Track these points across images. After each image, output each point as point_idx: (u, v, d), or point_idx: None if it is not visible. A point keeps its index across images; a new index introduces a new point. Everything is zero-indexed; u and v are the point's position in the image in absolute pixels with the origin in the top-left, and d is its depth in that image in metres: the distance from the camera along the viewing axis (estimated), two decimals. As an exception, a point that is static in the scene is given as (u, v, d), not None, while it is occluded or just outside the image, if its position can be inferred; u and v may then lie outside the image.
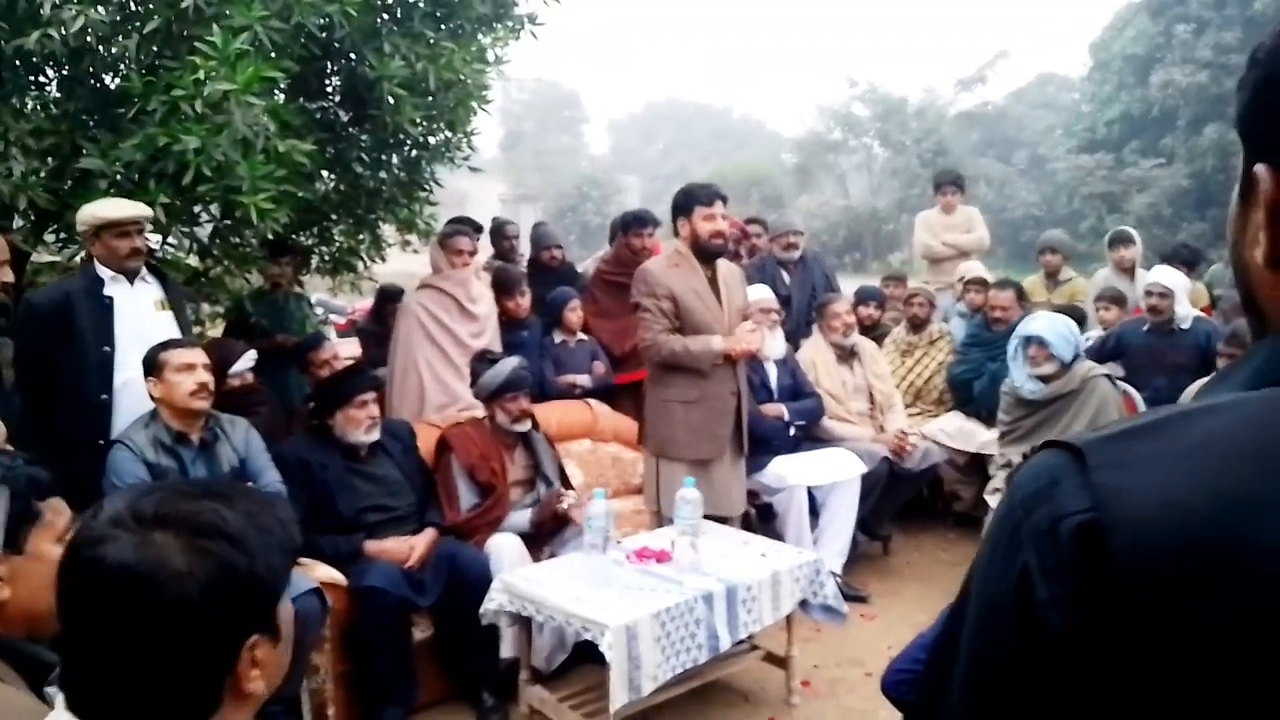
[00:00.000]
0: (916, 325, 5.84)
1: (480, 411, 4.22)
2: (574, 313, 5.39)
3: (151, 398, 3.34)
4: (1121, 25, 26.87)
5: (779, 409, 4.84)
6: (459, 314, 4.90)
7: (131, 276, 3.63)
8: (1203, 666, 0.57)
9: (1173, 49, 23.58)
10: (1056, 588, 0.61)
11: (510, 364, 4.05)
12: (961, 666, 0.68)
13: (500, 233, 6.68)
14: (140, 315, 3.62)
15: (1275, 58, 0.66)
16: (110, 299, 3.56)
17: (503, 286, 5.37)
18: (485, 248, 6.44)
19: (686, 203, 3.97)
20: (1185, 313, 5.16)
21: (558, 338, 5.42)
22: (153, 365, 3.32)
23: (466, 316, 4.91)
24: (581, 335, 5.45)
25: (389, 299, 6.09)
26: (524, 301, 5.35)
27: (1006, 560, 0.64)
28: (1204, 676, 0.57)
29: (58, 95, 4.26)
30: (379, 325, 6.17)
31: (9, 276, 3.46)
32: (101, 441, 3.43)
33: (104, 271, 3.58)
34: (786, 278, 5.93)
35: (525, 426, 4.08)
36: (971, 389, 5.45)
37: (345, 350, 6.19)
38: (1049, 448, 0.65)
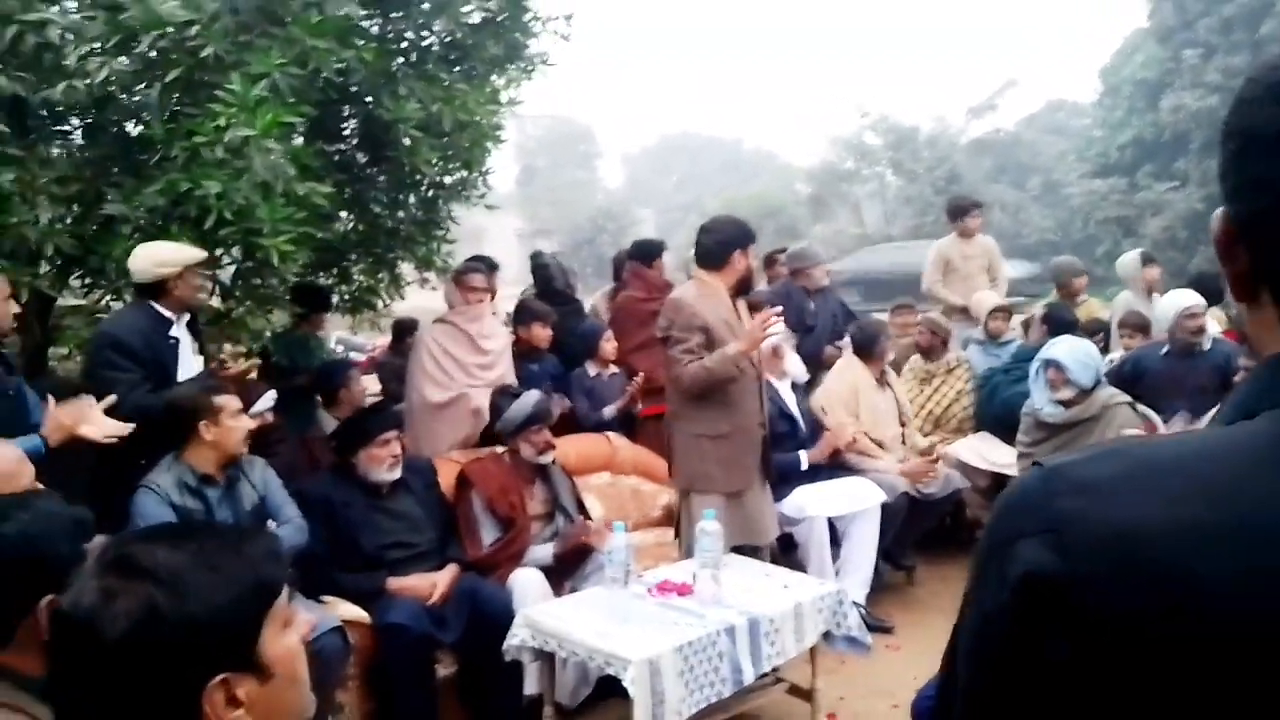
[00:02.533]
0: (923, 353, 5.82)
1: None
2: (609, 343, 5.41)
3: (188, 440, 3.36)
4: (1130, 51, 26.93)
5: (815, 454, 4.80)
6: (469, 348, 4.94)
7: (181, 319, 3.73)
8: (1144, 688, 0.59)
9: (1182, 74, 23.61)
10: (1017, 605, 0.63)
11: (533, 397, 4.09)
12: (960, 678, 0.70)
13: (543, 266, 6.62)
14: (189, 357, 3.75)
15: (1234, 112, 0.69)
16: (176, 339, 3.68)
17: (517, 316, 5.41)
18: (504, 280, 6.47)
19: (744, 239, 3.98)
20: (1210, 333, 5.14)
21: (591, 370, 5.43)
22: (208, 409, 3.35)
23: (477, 350, 4.95)
24: (614, 368, 5.46)
25: (406, 332, 6.14)
26: (540, 331, 5.36)
27: (983, 573, 0.68)
28: (1146, 698, 0.59)
29: (82, 143, 4.35)
30: (398, 358, 6.21)
31: (15, 309, 3.51)
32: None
33: (165, 312, 3.67)
34: (811, 306, 5.96)
35: (550, 458, 4.11)
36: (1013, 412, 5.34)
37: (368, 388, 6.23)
38: (1035, 467, 0.69)
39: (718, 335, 3.83)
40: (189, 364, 3.71)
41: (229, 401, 3.39)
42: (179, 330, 3.70)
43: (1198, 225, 22.73)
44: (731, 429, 3.91)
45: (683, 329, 3.82)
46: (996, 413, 5.42)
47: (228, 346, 5.17)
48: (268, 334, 4.96)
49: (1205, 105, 22.15)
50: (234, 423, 3.39)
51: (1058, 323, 5.44)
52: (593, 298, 6.95)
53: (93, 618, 0.98)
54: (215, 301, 4.70)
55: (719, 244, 3.97)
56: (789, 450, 4.67)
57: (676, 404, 4.02)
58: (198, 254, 3.68)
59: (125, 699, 0.99)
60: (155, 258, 3.63)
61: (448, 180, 5.33)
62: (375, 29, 4.77)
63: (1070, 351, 4.56)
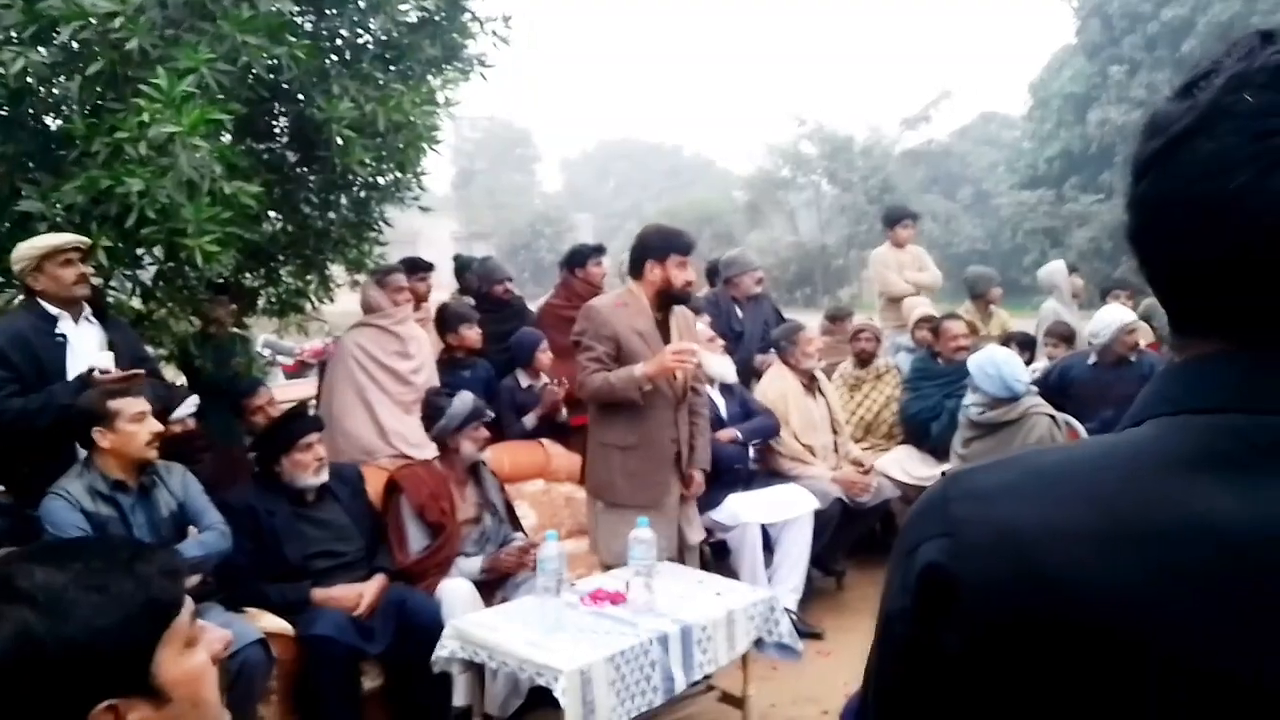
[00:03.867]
0: (863, 360, 5.90)
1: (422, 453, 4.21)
2: (545, 354, 5.31)
3: (93, 446, 3.25)
4: (1059, 66, 27.71)
5: (731, 432, 4.83)
6: (396, 353, 4.87)
7: (77, 314, 3.58)
8: (1026, 682, 0.62)
9: (1108, 89, 24.38)
10: (917, 608, 0.68)
11: (468, 397, 4.05)
12: (871, 680, 0.74)
13: (466, 269, 6.60)
14: (88, 356, 3.56)
15: (1135, 140, 0.73)
16: (64, 336, 3.51)
17: (445, 322, 5.33)
18: (441, 285, 6.42)
19: (664, 248, 3.85)
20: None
21: (523, 381, 5.32)
22: (101, 414, 3.22)
23: (404, 355, 4.88)
24: (545, 379, 5.36)
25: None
26: (470, 334, 5.29)
27: (890, 577, 0.72)
28: (1029, 691, 0.62)
29: (-4, 136, 4.19)
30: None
31: None
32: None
33: (51, 309, 3.52)
34: (740, 313, 5.98)
35: (487, 454, 4.11)
36: (928, 428, 5.47)
37: (295, 392, 6.11)
38: (942, 476, 0.73)
39: (627, 346, 3.77)
40: (86, 365, 3.50)
41: (126, 405, 3.24)
42: (67, 326, 3.54)
43: (1121, 237, 23.19)
44: (639, 441, 3.82)
45: (592, 337, 3.79)
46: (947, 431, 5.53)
47: (149, 349, 5.02)
48: (189, 336, 4.81)
49: (1130, 120, 22.88)
50: (133, 427, 3.23)
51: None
52: (537, 303, 6.93)
53: None
54: (135, 302, 4.57)
55: (635, 254, 3.92)
56: (723, 455, 4.65)
57: (591, 411, 3.99)
58: (55, 241, 3.49)
59: None
60: (16, 253, 3.49)
61: (381, 181, 5.24)
62: (309, 26, 4.67)
63: (976, 362, 4.74)
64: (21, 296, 4.05)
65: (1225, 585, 0.59)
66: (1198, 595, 0.59)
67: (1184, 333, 0.71)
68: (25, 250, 3.48)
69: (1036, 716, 0.63)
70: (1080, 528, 0.63)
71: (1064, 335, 5.95)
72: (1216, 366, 0.67)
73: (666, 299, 3.89)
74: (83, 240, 3.55)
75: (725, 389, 5.00)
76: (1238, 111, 0.63)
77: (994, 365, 4.65)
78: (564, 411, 5.30)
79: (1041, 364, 5.83)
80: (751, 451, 4.94)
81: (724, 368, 4.98)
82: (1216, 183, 0.63)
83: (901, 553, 0.70)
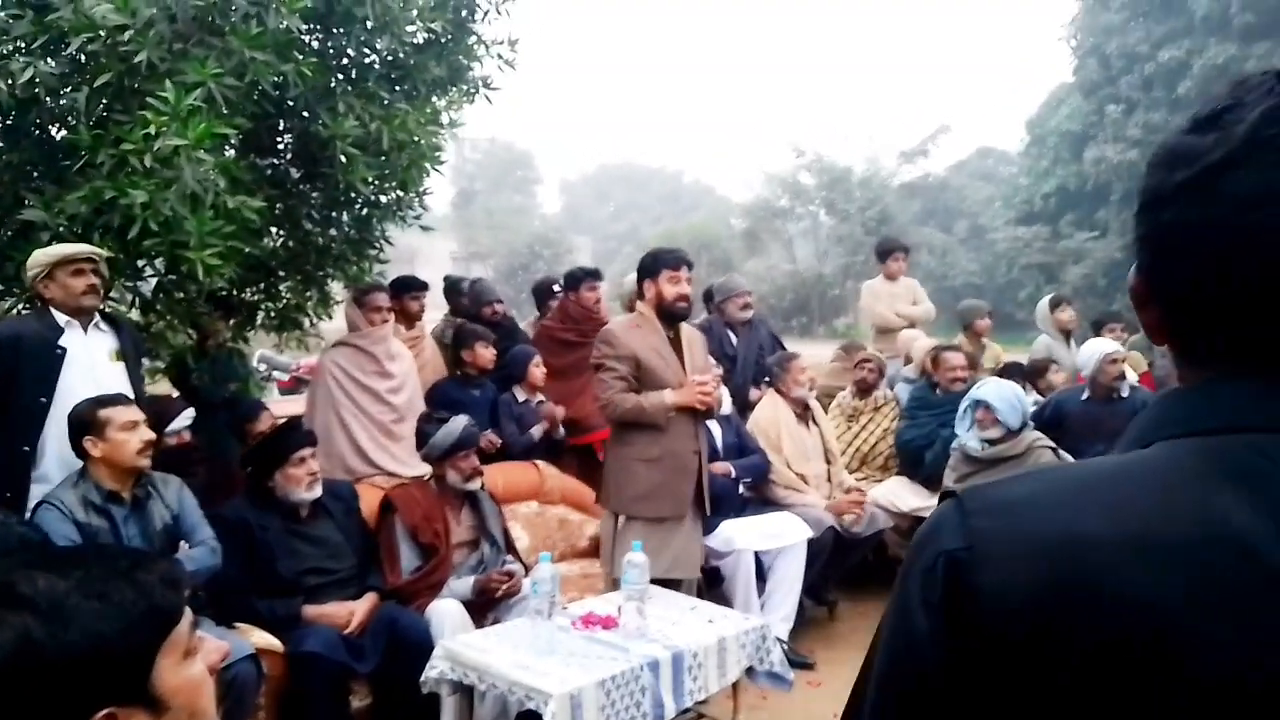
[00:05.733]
0: (864, 390, 5.91)
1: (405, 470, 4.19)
2: (538, 368, 5.37)
3: (87, 456, 3.24)
4: (1056, 103, 27.91)
5: (726, 467, 4.84)
6: (374, 373, 4.87)
7: (87, 322, 3.57)
8: (1047, 697, 0.63)
9: (1105, 127, 24.55)
10: (933, 622, 0.67)
11: (460, 422, 4.03)
12: (870, 697, 0.73)
13: (455, 290, 6.64)
14: (94, 366, 3.56)
15: (1146, 174, 0.74)
16: (63, 350, 3.48)
17: (461, 339, 5.35)
18: (437, 304, 6.42)
19: (654, 265, 4.00)
20: (1127, 379, 5.31)
21: (520, 395, 5.38)
22: (92, 423, 3.22)
23: (383, 375, 4.88)
24: (540, 395, 5.42)
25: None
26: (484, 354, 5.30)
27: (901, 598, 0.71)
28: (1049, 706, 0.63)
29: (1, 145, 4.20)
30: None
31: None
32: (8, 494, 3.36)
33: (60, 318, 3.52)
34: (734, 338, 5.99)
35: (476, 485, 4.06)
36: (922, 456, 5.49)
37: (289, 408, 6.08)
38: (946, 497, 0.72)
39: (647, 364, 3.90)
40: (91, 375, 3.50)
41: (118, 414, 3.24)
42: (73, 337, 3.51)
43: (1116, 273, 23.52)
44: (662, 453, 3.91)
45: (613, 359, 3.90)
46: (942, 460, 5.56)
47: (145, 362, 5.01)
48: (187, 349, 4.80)
49: (1126, 159, 23.04)
50: (124, 435, 3.22)
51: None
52: (525, 324, 6.94)
53: None
54: (134, 314, 4.56)
55: (638, 277, 4.09)
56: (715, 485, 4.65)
57: (614, 427, 4.05)
58: (69, 250, 3.50)
59: None
60: (31, 259, 3.50)
61: (383, 199, 5.26)
62: (316, 44, 4.71)
63: (998, 393, 4.68)
64: (22, 306, 4.05)
65: (1248, 596, 0.60)
66: (1220, 606, 0.60)
67: (1194, 361, 0.72)
68: (39, 257, 3.49)
69: None
70: (1103, 538, 0.64)
71: (1042, 368, 6.06)
72: (1231, 389, 0.69)
73: (667, 315, 3.96)
74: (96, 251, 3.55)
75: (721, 418, 5.01)
76: None
77: (1016, 396, 4.68)
78: (561, 429, 5.33)
79: (1031, 397, 5.84)
80: (741, 488, 4.94)
81: (724, 402, 5.00)
82: (1264, 212, 0.65)
83: (918, 571, 0.70)
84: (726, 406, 5.04)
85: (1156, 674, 0.60)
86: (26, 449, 3.41)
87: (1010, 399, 4.65)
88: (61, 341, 3.49)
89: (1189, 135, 0.70)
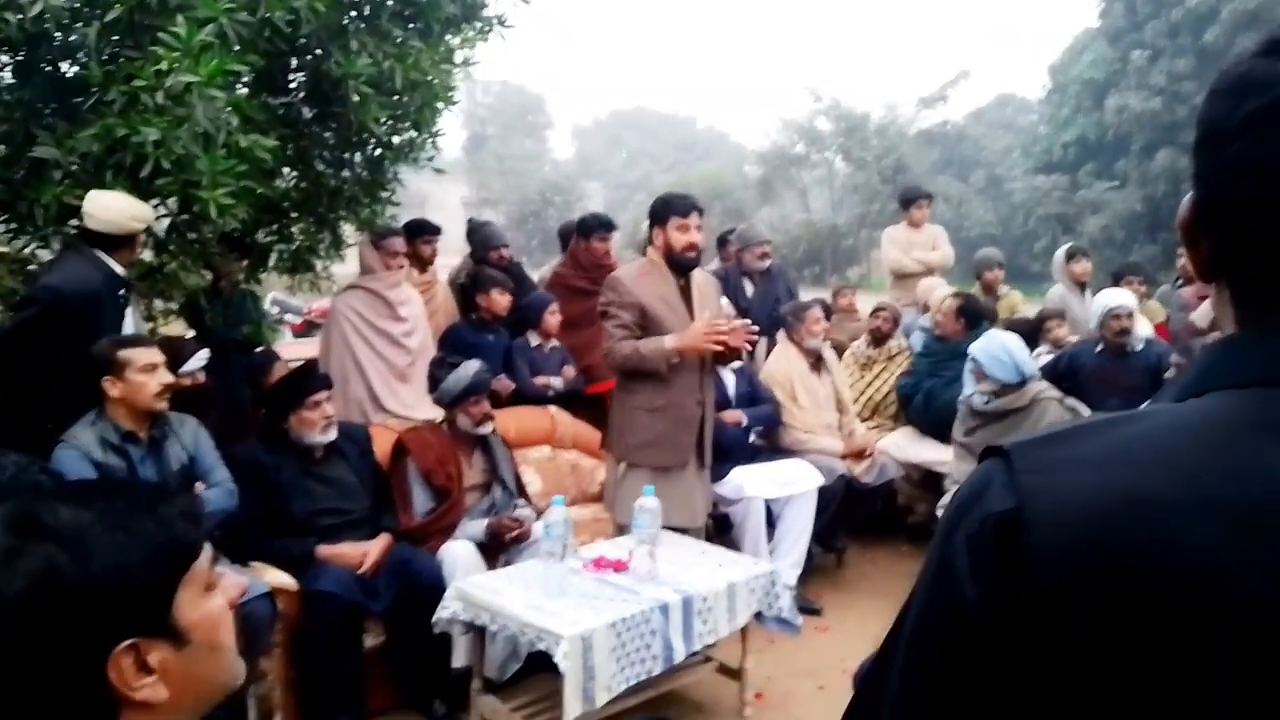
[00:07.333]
0: (878, 339, 5.89)
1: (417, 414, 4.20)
2: (553, 316, 5.35)
3: (106, 397, 3.26)
4: (1080, 50, 27.42)
5: (737, 415, 4.84)
6: (388, 316, 4.87)
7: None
8: (1102, 659, 0.60)
9: (1128, 75, 24.10)
10: (982, 586, 0.64)
11: (472, 367, 4.02)
12: (900, 659, 0.70)
13: (476, 234, 6.55)
14: (130, 314, 3.72)
15: (1204, 102, 0.70)
16: (126, 298, 3.63)
17: (479, 284, 5.33)
18: (449, 249, 6.38)
19: (664, 212, 3.92)
20: (1139, 334, 5.24)
21: (533, 340, 5.37)
22: (111, 363, 3.24)
23: (396, 319, 4.88)
24: (554, 341, 5.41)
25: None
26: (500, 300, 5.27)
27: (942, 560, 0.68)
28: (1104, 668, 0.60)
29: (12, 81, 4.16)
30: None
31: None
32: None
33: (119, 269, 3.63)
34: (749, 288, 5.96)
35: (488, 429, 4.06)
36: (910, 403, 5.54)
37: (301, 351, 6.10)
38: (989, 455, 0.69)
39: (653, 312, 3.83)
40: (129, 321, 3.63)
41: (137, 355, 3.26)
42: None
43: (1135, 225, 23.27)
44: (666, 403, 3.87)
45: (617, 306, 3.84)
46: (922, 409, 5.54)
47: (158, 303, 5.01)
48: (200, 290, 4.80)
49: (1149, 108, 22.64)
50: (143, 377, 3.25)
51: (970, 314, 5.55)
52: (541, 271, 6.89)
53: None
54: (147, 255, 4.55)
55: (649, 218, 4.03)
56: (725, 435, 4.66)
57: (618, 376, 4.02)
58: (149, 214, 3.68)
59: (25, 663, 0.94)
60: (129, 210, 3.56)
61: (395, 140, 5.20)
62: (328, -21, 4.62)
63: (985, 348, 4.65)
64: (37, 245, 4.04)
65: None
66: (1277, 564, 0.58)
67: (1255, 301, 0.68)
68: (143, 211, 3.68)
69: (1102, 688, 0.61)
70: (1160, 495, 0.61)
71: (1062, 315, 6.00)
72: None
73: (674, 264, 3.91)
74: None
75: (735, 369, 4.99)
76: None
77: (1005, 351, 4.61)
78: (581, 382, 5.37)
79: (1044, 348, 5.80)
80: (752, 436, 4.95)
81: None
82: None
83: (961, 534, 0.66)
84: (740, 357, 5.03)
85: (1220, 638, 0.58)
86: None
87: (997, 354, 4.59)
88: (123, 292, 3.65)
89: (1261, 59, 0.66)
